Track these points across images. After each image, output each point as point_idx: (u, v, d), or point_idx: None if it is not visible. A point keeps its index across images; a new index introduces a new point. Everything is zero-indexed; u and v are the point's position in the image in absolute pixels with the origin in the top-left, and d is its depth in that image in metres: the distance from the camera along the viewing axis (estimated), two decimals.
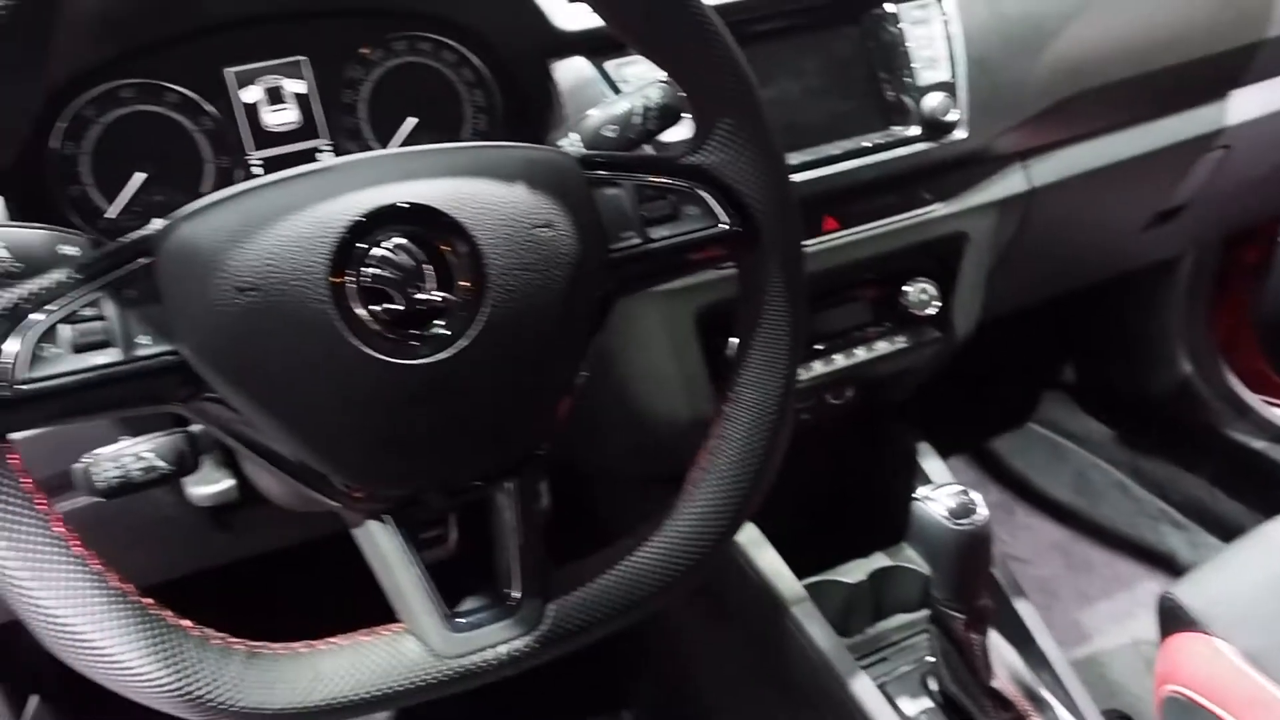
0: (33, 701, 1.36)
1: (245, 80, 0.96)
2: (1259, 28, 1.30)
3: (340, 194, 0.58)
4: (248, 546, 1.15)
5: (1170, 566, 1.78)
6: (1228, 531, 1.76)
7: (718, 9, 0.71)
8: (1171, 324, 1.88)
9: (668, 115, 0.76)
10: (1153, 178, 1.36)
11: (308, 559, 1.23)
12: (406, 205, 0.58)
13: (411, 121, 1.00)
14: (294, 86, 0.98)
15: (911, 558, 1.26)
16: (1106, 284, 1.78)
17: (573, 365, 0.65)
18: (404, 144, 1.01)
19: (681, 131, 0.78)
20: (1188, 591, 1.00)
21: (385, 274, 0.57)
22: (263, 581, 1.41)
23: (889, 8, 1.08)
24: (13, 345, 0.53)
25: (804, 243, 0.73)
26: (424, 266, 0.58)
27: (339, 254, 0.56)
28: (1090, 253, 1.56)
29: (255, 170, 0.97)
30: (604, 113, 0.76)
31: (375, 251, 0.57)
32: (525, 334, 0.60)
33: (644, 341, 1.02)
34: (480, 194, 0.60)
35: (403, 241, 0.58)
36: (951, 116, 1.07)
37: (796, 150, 1.03)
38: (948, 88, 1.08)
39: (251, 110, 0.96)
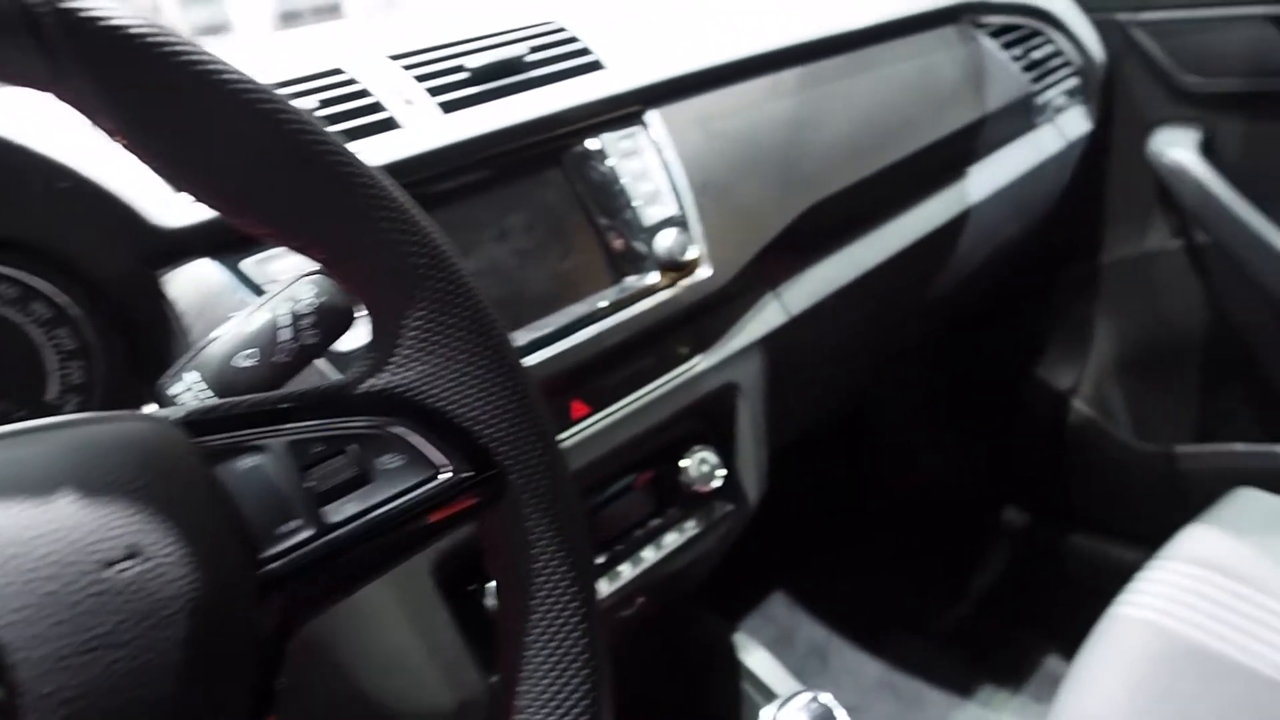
0: None
1: None
2: (978, 106, 1.27)
3: None
4: None
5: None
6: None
7: (386, 169, 0.49)
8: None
9: (332, 319, 0.52)
10: (908, 274, 1.26)
11: None
12: None
13: None
14: None
15: None
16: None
17: None
18: None
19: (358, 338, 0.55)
20: None
21: None
22: None
23: (590, 143, 0.90)
24: None
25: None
26: None
27: None
28: (865, 356, 1.46)
29: None
30: (232, 334, 0.50)
31: None
32: None
33: (371, 620, 0.74)
34: None
35: None
36: (690, 254, 0.90)
37: (520, 327, 0.82)
38: (679, 223, 0.91)
39: None
